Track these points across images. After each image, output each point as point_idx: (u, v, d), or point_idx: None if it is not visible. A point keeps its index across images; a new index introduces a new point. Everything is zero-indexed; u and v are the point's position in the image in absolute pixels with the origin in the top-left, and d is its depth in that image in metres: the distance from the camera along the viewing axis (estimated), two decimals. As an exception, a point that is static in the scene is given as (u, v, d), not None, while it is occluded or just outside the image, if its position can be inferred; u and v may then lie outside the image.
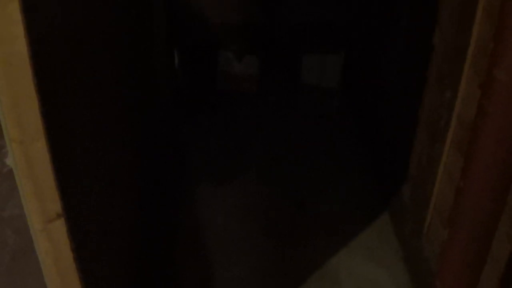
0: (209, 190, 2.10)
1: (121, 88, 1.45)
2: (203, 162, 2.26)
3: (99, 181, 1.16)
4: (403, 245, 1.82)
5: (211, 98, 2.68)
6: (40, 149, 0.85)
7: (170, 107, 2.35)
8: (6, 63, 0.78)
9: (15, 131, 0.82)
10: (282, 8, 2.63)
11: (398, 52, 2.03)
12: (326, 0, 2.59)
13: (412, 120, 1.76)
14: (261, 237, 1.91)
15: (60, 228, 0.93)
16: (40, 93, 0.81)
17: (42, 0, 0.82)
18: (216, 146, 2.36)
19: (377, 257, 1.82)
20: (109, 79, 1.30)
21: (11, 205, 1.90)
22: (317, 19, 2.63)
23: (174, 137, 2.39)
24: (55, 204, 0.90)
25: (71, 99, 0.96)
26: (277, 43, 2.71)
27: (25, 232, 1.81)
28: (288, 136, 2.42)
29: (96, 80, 1.16)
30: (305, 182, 2.16)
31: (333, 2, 2.59)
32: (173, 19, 2.46)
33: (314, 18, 2.64)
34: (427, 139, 1.63)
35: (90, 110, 1.10)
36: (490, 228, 0.96)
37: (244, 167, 2.24)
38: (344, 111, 2.59)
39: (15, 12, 0.74)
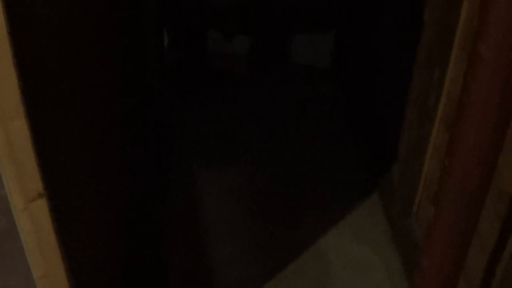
0: (198, 171, 2.09)
1: (107, 67, 1.43)
2: (192, 142, 2.25)
3: (83, 160, 1.15)
4: (392, 225, 1.82)
5: (201, 78, 2.66)
6: (19, 127, 0.83)
7: (160, 86, 2.33)
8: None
9: (-7, 109, 0.81)
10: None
11: (388, 31, 2.02)
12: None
13: (402, 100, 1.75)
14: (250, 218, 1.91)
15: (42, 207, 0.92)
16: (20, 70, 0.79)
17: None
18: (206, 126, 2.35)
19: (366, 237, 1.82)
20: (94, 57, 1.28)
21: (-2, 186, 1.88)
22: (308, 3, 2.62)
23: (164, 117, 2.38)
24: (36, 183, 0.89)
25: (53, 76, 0.95)
26: (267, 23, 2.69)
27: (12, 214, 1.80)
28: (278, 116, 2.41)
29: (80, 58, 1.14)
30: (295, 162, 2.15)
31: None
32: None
33: (305, 2, 2.62)
34: (417, 119, 1.62)
35: (73, 87, 1.08)
36: (476, 206, 0.96)
37: (233, 148, 2.23)
38: (334, 91, 2.58)
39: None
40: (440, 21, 1.42)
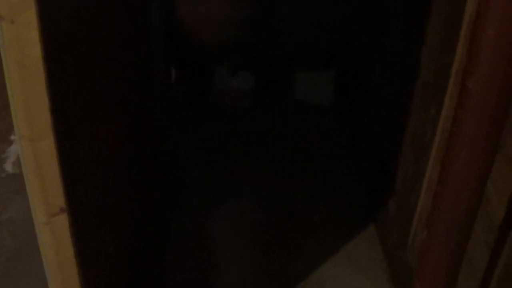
0: (201, 201, 2.16)
1: (121, 96, 1.52)
2: (196, 173, 2.32)
3: (102, 180, 1.22)
4: (388, 255, 1.88)
5: (206, 112, 2.75)
6: (47, 146, 0.91)
7: (166, 119, 2.41)
8: (20, 65, 0.84)
9: (25, 129, 0.88)
10: (275, 26, 2.72)
11: (386, 70, 2.11)
12: (319, 20, 2.67)
13: (399, 136, 1.83)
14: (250, 247, 1.97)
15: (63, 222, 0.99)
16: (51, 94, 0.87)
17: (57, 9, 0.88)
18: (210, 158, 2.42)
19: (362, 267, 1.88)
20: (111, 86, 1.37)
21: (9, 209, 1.95)
22: (310, 38, 2.72)
23: (170, 148, 2.45)
24: (59, 199, 0.96)
25: (78, 101, 1.03)
26: (270, 60, 2.79)
27: (22, 235, 1.87)
28: (279, 151, 2.49)
29: (100, 88, 1.22)
30: (295, 194, 2.22)
31: (325, 22, 2.67)
32: (169, 36, 2.53)
33: (306, 37, 2.72)
34: (412, 155, 1.70)
35: (95, 113, 1.16)
36: (465, 230, 1.02)
37: (235, 180, 2.30)
38: (335, 127, 2.66)
39: (32, 18, 0.81)
40: (436, 61, 1.50)
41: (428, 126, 1.57)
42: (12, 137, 2.27)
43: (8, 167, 2.17)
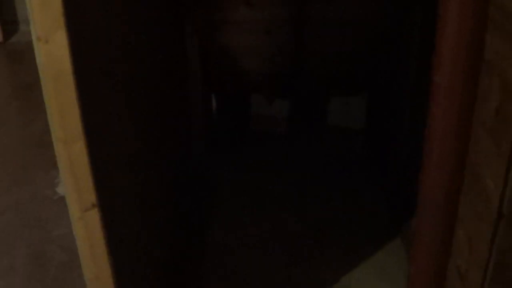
0: (237, 215, 2.30)
1: (153, 120, 1.68)
2: (234, 193, 2.48)
3: (131, 179, 1.37)
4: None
5: (245, 138, 2.90)
6: (79, 148, 1.06)
7: (207, 146, 2.57)
8: (54, 79, 1.01)
9: (60, 132, 1.04)
10: (309, 57, 2.87)
11: (411, 95, 2.22)
12: (349, 52, 2.81)
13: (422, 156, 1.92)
14: (282, 259, 2.09)
15: (94, 216, 1.13)
16: (81, 103, 1.03)
17: (85, 30, 1.05)
18: (248, 179, 2.57)
19: (388, 277, 1.96)
20: (143, 108, 1.53)
21: (60, 226, 2.13)
22: (342, 68, 2.85)
23: (206, 171, 2.61)
24: (90, 195, 1.11)
25: (107, 109, 1.19)
26: (305, 88, 2.93)
27: (71, 249, 2.03)
28: (313, 172, 2.61)
29: (128, 107, 1.39)
30: (327, 210, 2.34)
31: (356, 53, 2.81)
32: (209, 68, 2.70)
33: (338, 67, 2.85)
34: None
35: (124, 122, 1.32)
36: (449, 212, 1.12)
37: (270, 198, 2.44)
38: (365, 147, 2.77)
39: (62, 38, 0.97)
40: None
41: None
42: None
43: (60, 190, 2.37)
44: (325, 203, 2.38)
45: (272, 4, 2.77)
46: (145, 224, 1.53)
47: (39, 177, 2.51)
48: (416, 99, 2.17)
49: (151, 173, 1.63)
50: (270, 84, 2.94)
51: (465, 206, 1.08)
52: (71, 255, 1.98)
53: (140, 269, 1.46)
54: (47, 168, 2.55)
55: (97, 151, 1.10)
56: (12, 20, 4.23)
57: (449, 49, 1.00)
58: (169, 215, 1.89)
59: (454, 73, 1.01)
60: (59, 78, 1.01)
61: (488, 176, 0.98)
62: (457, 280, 1.16)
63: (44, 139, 2.75)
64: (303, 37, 2.86)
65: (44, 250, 2.06)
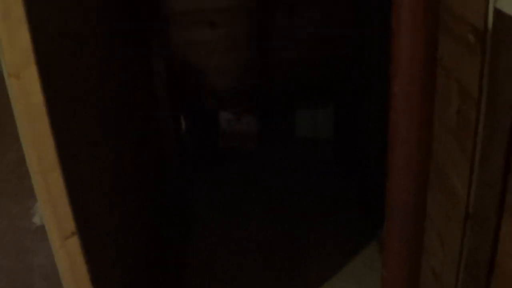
0: (215, 229, 2.34)
1: (121, 132, 1.70)
2: (209, 206, 2.52)
3: (109, 206, 1.40)
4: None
5: (214, 155, 2.94)
6: (56, 177, 1.09)
7: (177, 164, 2.60)
8: (27, 112, 1.03)
9: (36, 163, 1.07)
10: (275, 71, 2.93)
11: (377, 102, 2.28)
12: (315, 64, 2.88)
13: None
14: (260, 267, 2.13)
15: (75, 244, 1.16)
16: (55, 133, 1.06)
17: (55, 63, 1.08)
18: (221, 194, 2.61)
19: (365, 282, 2.01)
20: (111, 123, 1.56)
21: (40, 257, 2.13)
22: (307, 81, 2.92)
23: (181, 190, 2.63)
24: (69, 223, 1.13)
25: (82, 140, 1.21)
26: (272, 102, 2.99)
27: (52, 278, 2.03)
28: (284, 182, 2.66)
29: (100, 124, 1.41)
30: (302, 220, 2.39)
31: (321, 66, 2.88)
32: (177, 88, 2.74)
33: (304, 80, 2.92)
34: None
35: (98, 148, 1.35)
36: (415, 216, 1.17)
37: (246, 209, 2.48)
38: (335, 156, 2.83)
39: (33, 73, 1.00)
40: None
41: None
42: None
43: (36, 220, 2.37)
44: (300, 213, 2.43)
45: (235, 23, 2.83)
46: (125, 247, 1.55)
47: (14, 208, 2.51)
48: (379, 106, 2.24)
49: (128, 196, 1.66)
50: (237, 100, 2.98)
51: (434, 207, 1.13)
52: (52, 284, 1.99)
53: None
54: (22, 198, 2.55)
55: (73, 179, 1.13)
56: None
57: (403, 59, 1.06)
58: (148, 236, 1.91)
59: (410, 82, 1.06)
60: (32, 111, 1.03)
61: (455, 177, 1.02)
62: (432, 281, 1.21)
63: (18, 169, 2.75)
64: (267, 53, 2.92)
65: (26, 280, 2.06)
